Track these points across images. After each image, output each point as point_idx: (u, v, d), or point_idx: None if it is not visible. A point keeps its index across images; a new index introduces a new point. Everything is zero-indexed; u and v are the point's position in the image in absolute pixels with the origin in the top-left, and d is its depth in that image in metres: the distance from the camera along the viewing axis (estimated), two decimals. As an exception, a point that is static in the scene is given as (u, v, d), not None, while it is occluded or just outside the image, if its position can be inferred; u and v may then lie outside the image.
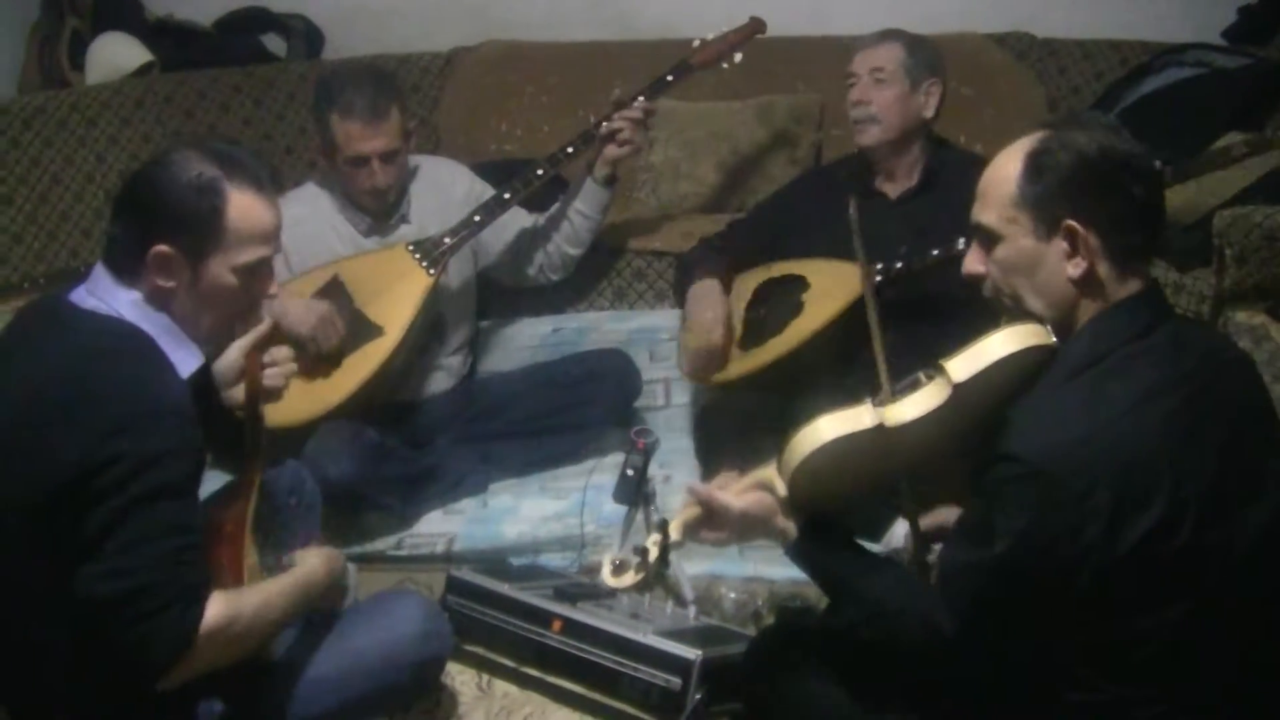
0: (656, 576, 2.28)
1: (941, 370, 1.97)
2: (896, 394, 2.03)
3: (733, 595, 3.01)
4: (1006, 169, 1.94)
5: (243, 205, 2.15)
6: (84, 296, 2.12)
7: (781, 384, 3.33)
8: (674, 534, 2.20)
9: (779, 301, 3.43)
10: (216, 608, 1.96)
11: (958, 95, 4.20)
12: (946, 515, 2.62)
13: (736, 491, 2.15)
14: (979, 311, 2.09)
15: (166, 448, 1.95)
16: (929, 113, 3.43)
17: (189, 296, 2.14)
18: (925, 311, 3.24)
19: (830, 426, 1.99)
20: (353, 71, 3.51)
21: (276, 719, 2.26)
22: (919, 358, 2.11)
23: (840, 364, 3.26)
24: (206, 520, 2.20)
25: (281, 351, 2.50)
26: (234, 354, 2.42)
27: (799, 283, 3.44)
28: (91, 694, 2.04)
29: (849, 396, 2.12)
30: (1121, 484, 1.76)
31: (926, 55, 3.44)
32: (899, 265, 3.25)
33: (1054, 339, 1.94)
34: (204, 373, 2.21)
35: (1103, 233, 1.88)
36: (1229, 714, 1.88)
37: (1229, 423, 1.87)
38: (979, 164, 3.38)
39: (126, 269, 2.11)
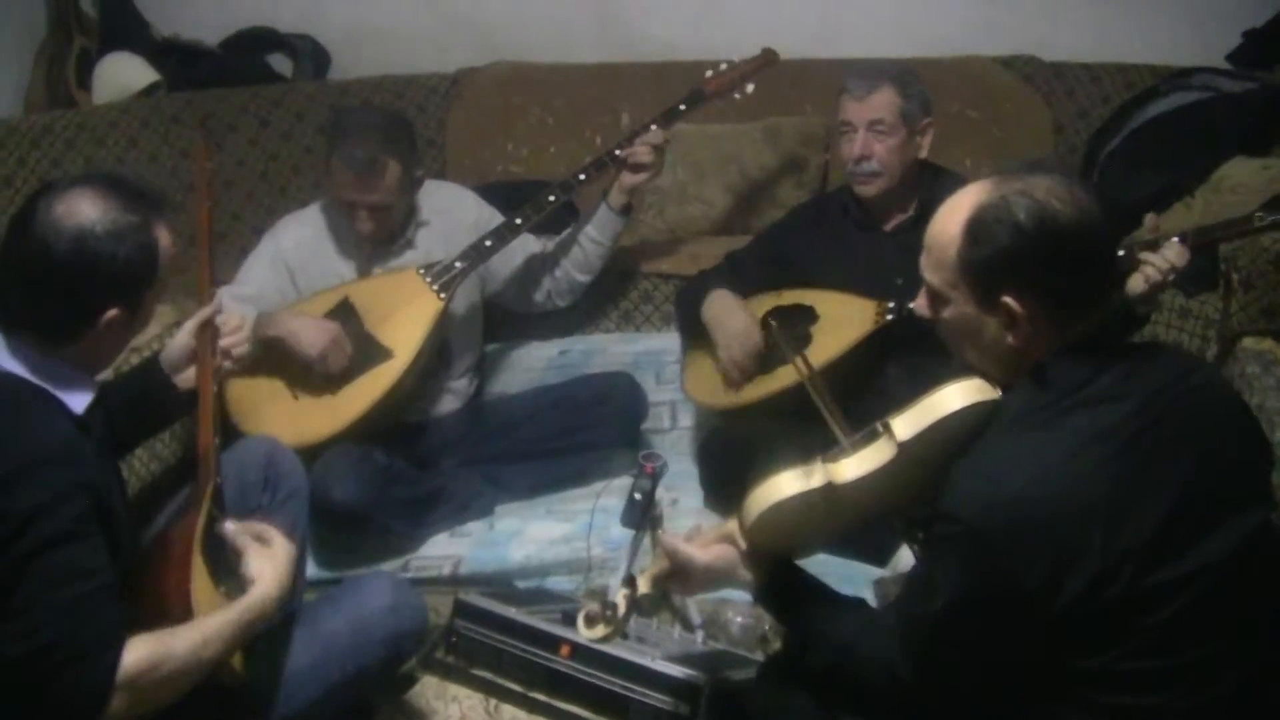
0: (626, 627, 2.32)
1: (888, 428, 1.98)
2: (851, 446, 2.04)
3: (739, 619, 3.01)
4: (949, 231, 1.91)
5: (164, 237, 2.12)
6: None
7: (786, 412, 3.33)
8: (643, 587, 2.26)
9: (787, 330, 3.42)
10: (137, 653, 1.90)
11: (964, 118, 4.24)
12: None
13: (702, 544, 2.19)
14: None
15: (47, 498, 1.89)
16: (924, 153, 3.43)
17: (119, 336, 2.13)
18: (931, 345, 3.24)
19: (781, 486, 2.04)
20: (364, 116, 3.50)
21: None
22: (923, 388, 2.11)
23: (847, 396, 3.26)
24: (159, 542, 2.19)
25: (233, 320, 2.50)
26: (183, 337, 2.42)
27: (808, 313, 3.44)
28: None
29: (855, 425, 2.15)
30: (1054, 541, 1.75)
31: (919, 94, 3.41)
32: (911, 306, 3.25)
33: (999, 393, 1.94)
34: (101, 399, 2.16)
35: (1042, 302, 1.86)
36: None
37: (1185, 455, 1.85)
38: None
39: (61, 339, 2.07)
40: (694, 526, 2.31)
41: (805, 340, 3.40)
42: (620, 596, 2.24)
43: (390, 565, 3.28)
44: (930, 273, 1.96)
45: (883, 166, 3.35)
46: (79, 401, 2.07)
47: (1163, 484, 1.81)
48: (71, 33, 4.50)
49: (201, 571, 2.12)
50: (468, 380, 3.72)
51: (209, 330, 2.47)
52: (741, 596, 3.03)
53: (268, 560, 2.15)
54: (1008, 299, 1.86)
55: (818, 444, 2.14)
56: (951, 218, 1.92)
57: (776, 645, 2.89)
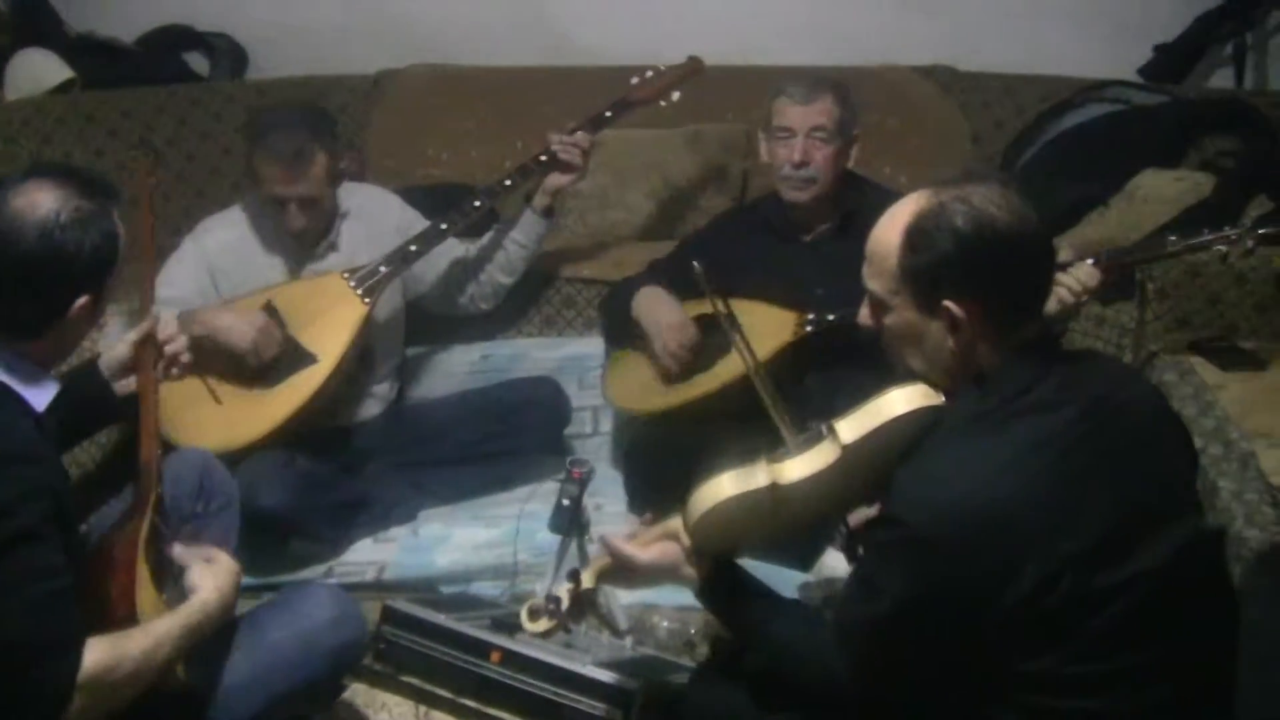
0: (569, 622, 2.34)
1: (833, 430, 2.01)
2: (796, 448, 2.07)
3: (665, 624, 3.01)
4: (889, 239, 1.94)
5: (119, 221, 2.15)
6: None
7: (708, 418, 3.36)
8: (586, 582, 2.28)
9: (709, 339, 3.45)
10: (96, 654, 1.90)
11: (884, 127, 4.27)
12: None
13: (645, 542, 2.21)
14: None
15: (17, 494, 1.89)
16: (852, 163, 3.46)
17: (84, 326, 2.15)
18: (852, 357, 3.27)
19: (726, 485, 2.06)
20: (286, 111, 3.49)
21: None
22: (846, 400, 2.14)
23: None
24: (99, 547, 2.18)
25: (169, 327, 2.51)
26: (122, 349, 2.43)
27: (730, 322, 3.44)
28: None
29: (776, 435, 2.16)
30: (998, 547, 1.79)
31: (852, 104, 3.44)
32: (830, 318, 3.28)
33: (942, 399, 1.97)
34: (61, 395, 2.15)
35: (982, 307, 1.89)
36: None
37: (1122, 464, 1.89)
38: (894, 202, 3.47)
39: (31, 333, 2.07)
40: (638, 524, 2.30)
41: (726, 348, 3.42)
42: (564, 591, 2.25)
43: (314, 571, 3.25)
44: (872, 281, 1.99)
45: (819, 173, 3.37)
46: (40, 399, 2.06)
47: (1102, 492, 1.85)
48: (-18, 27, 4.43)
49: (145, 578, 2.13)
50: (389, 384, 3.70)
51: (150, 343, 2.44)
52: (668, 601, 3.07)
53: (208, 571, 2.18)
54: (949, 303, 1.89)
55: (747, 448, 2.15)
56: (891, 227, 1.95)
57: (704, 649, 2.90)
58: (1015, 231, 1.89)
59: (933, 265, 1.89)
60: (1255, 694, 1.98)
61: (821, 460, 2.02)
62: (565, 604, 2.25)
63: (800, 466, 2.03)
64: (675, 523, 2.18)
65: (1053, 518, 1.81)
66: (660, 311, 3.49)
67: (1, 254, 2.02)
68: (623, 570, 2.24)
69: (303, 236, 3.44)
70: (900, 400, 1.97)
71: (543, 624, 2.25)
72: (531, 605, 2.26)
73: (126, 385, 2.48)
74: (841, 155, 3.40)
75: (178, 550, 2.24)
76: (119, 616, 2.04)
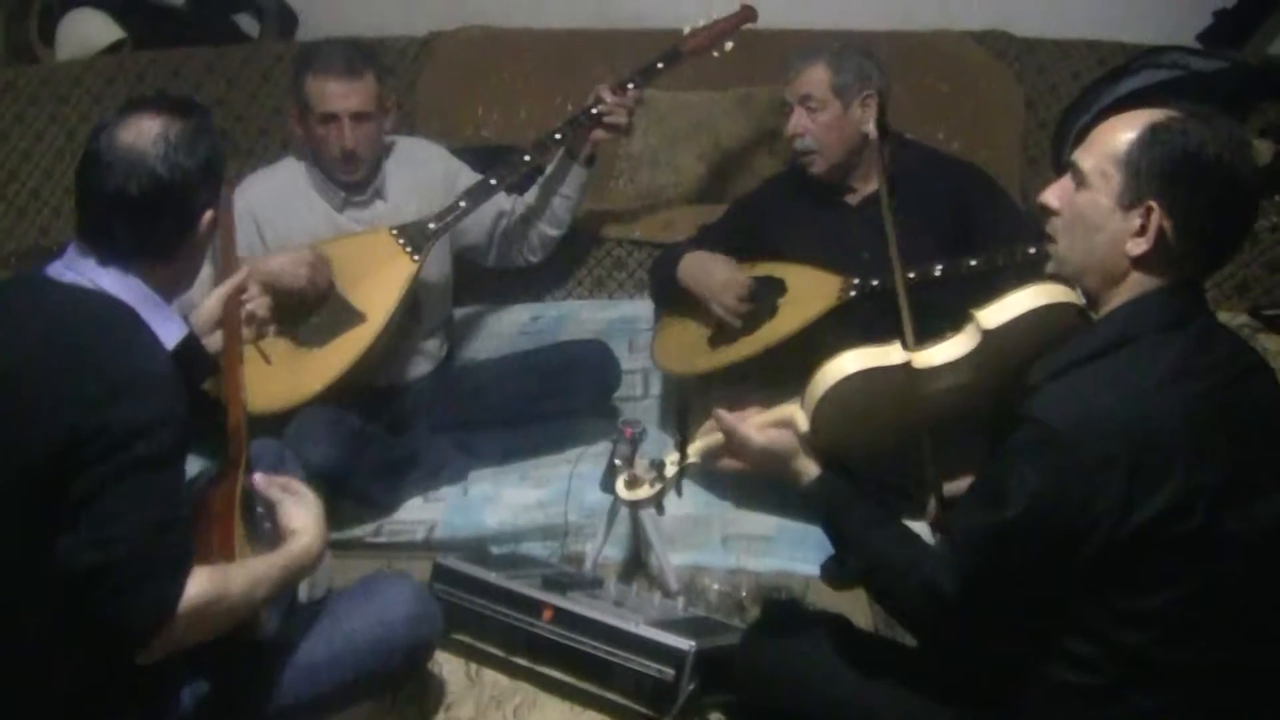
0: (666, 492, 2.30)
1: (971, 318, 2.00)
2: (921, 343, 2.06)
3: (716, 586, 3.02)
4: (1126, 131, 1.92)
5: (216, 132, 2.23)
6: (61, 271, 2.09)
7: (755, 380, 3.34)
8: (693, 456, 2.24)
9: (755, 301, 3.44)
10: (201, 583, 1.93)
11: (936, 92, 4.24)
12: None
13: (759, 425, 2.17)
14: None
15: (154, 417, 1.92)
16: (868, 126, 3.34)
17: (206, 242, 2.19)
18: (892, 323, 3.25)
19: (857, 359, 2.03)
20: (332, 40, 3.55)
21: (263, 702, 2.24)
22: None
23: (805, 370, 3.25)
24: (199, 502, 2.18)
25: (254, 290, 2.51)
26: (212, 303, 2.43)
27: (777, 285, 3.45)
28: (71, 672, 2.00)
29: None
30: (1137, 460, 1.79)
31: (855, 66, 3.37)
32: (874, 283, 3.25)
33: (1082, 301, 1.97)
34: (189, 342, 2.18)
35: (1177, 228, 1.88)
36: (1226, 704, 1.90)
37: (1249, 419, 1.90)
38: (942, 163, 3.43)
39: (167, 255, 2.13)
40: (747, 407, 2.26)
41: (772, 311, 3.41)
42: (670, 460, 2.21)
43: (363, 529, 3.26)
44: (1085, 158, 1.95)
45: (817, 144, 3.35)
46: (169, 337, 2.10)
47: (1233, 438, 1.85)
48: (33, -13, 4.42)
49: (241, 534, 2.17)
50: (438, 342, 3.69)
51: (237, 300, 2.45)
52: (719, 564, 3.08)
53: (305, 509, 2.21)
54: (1153, 204, 1.87)
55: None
56: (1133, 121, 1.92)
57: (754, 612, 2.89)
58: (1245, 181, 1.89)
59: (1159, 161, 1.87)
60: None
61: (961, 347, 2.00)
62: (670, 472, 2.21)
63: (940, 352, 2.02)
64: (790, 409, 2.14)
65: (1194, 443, 1.82)
66: (710, 271, 3.47)
67: (130, 181, 2.06)
68: (731, 451, 2.21)
69: (354, 161, 3.41)
70: (1042, 293, 1.97)
71: (643, 490, 2.21)
72: (629, 475, 2.23)
73: (214, 342, 2.47)
74: (844, 120, 3.35)
75: (259, 479, 2.26)
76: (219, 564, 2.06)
